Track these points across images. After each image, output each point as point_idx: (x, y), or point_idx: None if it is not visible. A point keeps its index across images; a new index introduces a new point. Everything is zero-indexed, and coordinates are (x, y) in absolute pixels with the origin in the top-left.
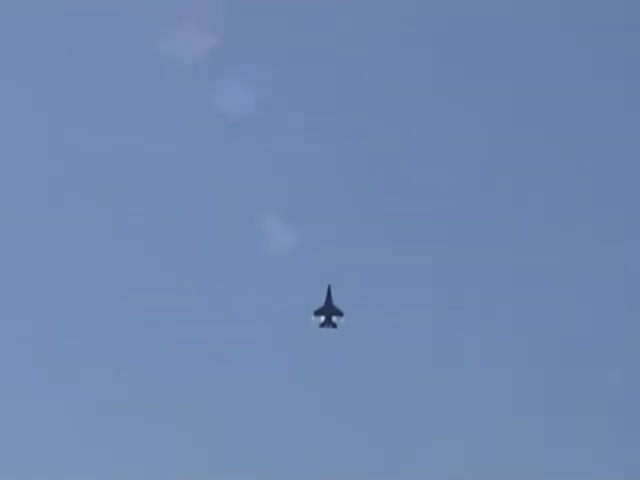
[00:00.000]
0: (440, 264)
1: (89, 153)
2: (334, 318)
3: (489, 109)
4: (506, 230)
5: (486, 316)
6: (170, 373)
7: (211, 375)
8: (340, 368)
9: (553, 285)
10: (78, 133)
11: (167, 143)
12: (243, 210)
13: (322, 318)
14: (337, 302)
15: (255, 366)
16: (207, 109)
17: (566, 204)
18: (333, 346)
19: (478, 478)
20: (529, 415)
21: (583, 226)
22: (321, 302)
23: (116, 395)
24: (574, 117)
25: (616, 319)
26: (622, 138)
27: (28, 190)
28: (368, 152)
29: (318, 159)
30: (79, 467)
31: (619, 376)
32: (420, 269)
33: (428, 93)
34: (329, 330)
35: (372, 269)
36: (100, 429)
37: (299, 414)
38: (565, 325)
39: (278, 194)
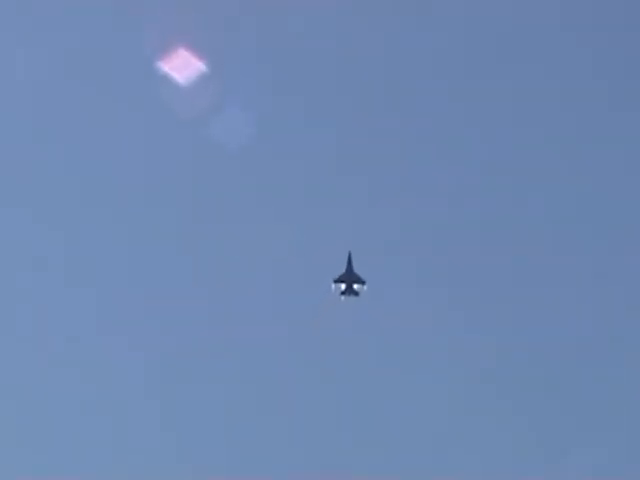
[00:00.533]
0: (440, 263)
1: (86, 181)
2: (356, 286)
3: (489, 109)
4: (506, 230)
5: (485, 316)
6: (172, 369)
7: (213, 374)
8: (344, 367)
9: (553, 285)
10: (75, 162)
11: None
12: (246, 213)
13: (343, 286)
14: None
15: (258, 365)
16: (205, 133)
17: (566, 204)
18: (336, 345)
19: (477, 477)
20: (529, 415)
21: (583, 226)
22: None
23: (119, 395)
24: (574, 117)
25: (617, 319)
26: (622, 138)
27: (27, 194)
28: (370, 155)
29: (319, 160)
30: (79, 467)
31: (619, 376)
32: (419, 269)
33: (428, 93)
34: (333, 329)
35: (374, 270)
36: (105, 429)
37: (304, 411)
38: (565, 325)
39: (280, 197)
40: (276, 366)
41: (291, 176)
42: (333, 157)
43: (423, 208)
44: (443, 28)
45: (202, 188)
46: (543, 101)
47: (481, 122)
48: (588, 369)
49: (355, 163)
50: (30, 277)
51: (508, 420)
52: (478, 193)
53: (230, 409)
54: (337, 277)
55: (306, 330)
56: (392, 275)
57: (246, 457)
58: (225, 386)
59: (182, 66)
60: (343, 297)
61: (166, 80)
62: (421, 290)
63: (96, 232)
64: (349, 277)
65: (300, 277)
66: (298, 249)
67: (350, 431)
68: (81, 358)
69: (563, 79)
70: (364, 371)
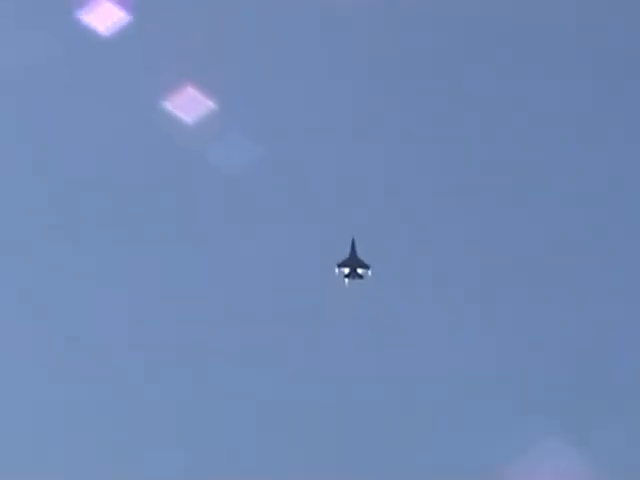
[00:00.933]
0: (439, 264)
1: (89, 203)
2: (360, 270)
3: (489, 109)
4: (506, 230)
5: (484, 316)
6: (172, 369)
7: (214, 368)
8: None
9: (554, 285)
10: (78, 186)
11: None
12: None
13: (346, 270)
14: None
15: (260, 357)
16: (208, 163)
17: (566, 204)
18: (339, 344)
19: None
20: (529, 416)
21: (583, 227)
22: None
23: (119, 395)
24: (574, 117)
25: (617, 319)
26: (622, 138)
27: (27, 199)
28: (376, 152)
29: (324, 157)
30: (79, 467)
31: (621, 377)
32: (420, 269)
33: (428, 94)
34: (338, 313)
35: (377, 274)
36: (105, 429)
37: (307, 406)
38: (565, 325)
39: (283, 201)
40: (279, 355)
41: (296, 179)
42: (338, 154)
43: (427, 197)
44: (443, 28)
45: (205, 198)
46: (543, 101)
47: (481, 122)
48: (590, 369)
49: (360, 158)
50: (30, 277)
51: (509, 413)
52: (482, 180)
53: (230, 407)
54: (341, 262)
55: (310, 318)
56: (395, 262)
57: (246, 457)
58: (225, 382)
59: (188, 103)
60: (347, 280)
61: (171, 117)
62: (427, 281)
63: (101, 236)
64: (353, 262)
65: (304, 265)
66: (302, 241)
67: (353, 428)
68: (81, 358)
69: (563, 79)
70: (366, 363)
